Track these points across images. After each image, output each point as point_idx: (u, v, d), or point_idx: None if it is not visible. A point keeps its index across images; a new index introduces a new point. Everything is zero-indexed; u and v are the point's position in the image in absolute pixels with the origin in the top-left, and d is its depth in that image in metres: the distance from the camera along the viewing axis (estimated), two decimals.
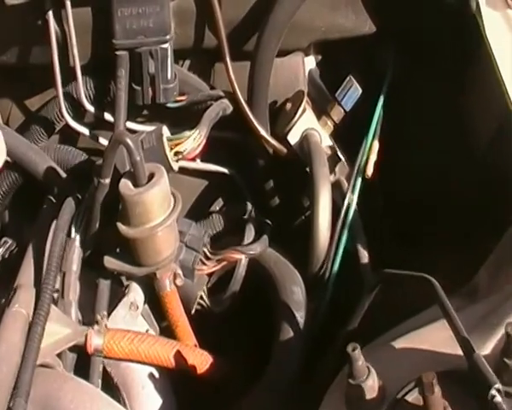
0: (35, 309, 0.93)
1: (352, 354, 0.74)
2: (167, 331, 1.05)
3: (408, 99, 1.18)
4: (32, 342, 0.88)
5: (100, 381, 0.97)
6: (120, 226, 0.95)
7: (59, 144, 1.19)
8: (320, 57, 1.24)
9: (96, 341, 0.95)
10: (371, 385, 0.76)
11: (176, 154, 1.03)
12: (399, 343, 0.83)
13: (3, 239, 1.17)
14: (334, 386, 0.83)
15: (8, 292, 0.99)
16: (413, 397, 0.75)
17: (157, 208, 0.94)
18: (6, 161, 1.15)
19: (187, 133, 1.04)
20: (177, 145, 1.03)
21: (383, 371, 0.78)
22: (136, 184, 0.94)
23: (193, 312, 1.07)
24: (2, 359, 0.87)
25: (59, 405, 0.88)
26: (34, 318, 0.91)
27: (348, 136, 1.17)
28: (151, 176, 0.95)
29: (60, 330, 0.95)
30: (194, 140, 1.04)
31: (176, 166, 1.02)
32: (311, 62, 1.23)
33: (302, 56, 1.20)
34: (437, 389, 0.68)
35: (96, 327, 0.97)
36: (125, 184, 0.95)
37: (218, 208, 1.21)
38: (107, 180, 0.97)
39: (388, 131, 1.14)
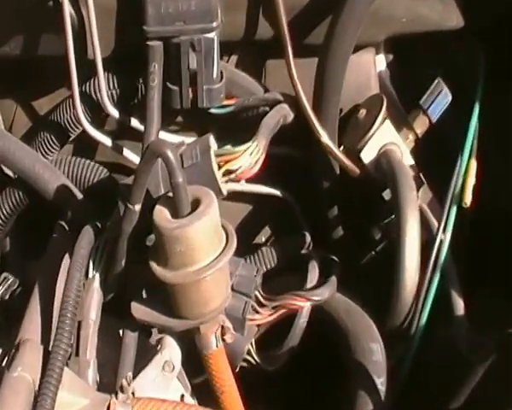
0: (43, 374, 0.70)
1: None
2: (203, 393, 0.83)
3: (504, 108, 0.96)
4: None
5: None
6: (155, 267, 0.73)
7: (73, 157, 0.96)
8: (391, 56, 1.02)
9: None
10: None
11: (226, 173, 0.81)
12: None
13: (3, 275, 0.95)
14: None
15: (8, 348, 0.77)
16: None
17: (205, 246, 0.72)
18: (8, 177, 0.93)
19: (241, 147, 0.81)
20: (227, 162, 0.80)
21: None
22: (176, 214, 0.72)
23: (237, 370, 0.85)
24: None
25: None
26: (42, 386, 0.69)
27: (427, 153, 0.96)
28: (196, 203, 0.73)
29: (75, 400, 0.72)
30: (250, 155, 0.81)
31: (226, 190, 0.80)
32: (381, 63, 1.01)
33: (374, 54, 0.99)
34: None
35: (120, 396, 0.75)
36: (162, 214, 0.72)
37: (268, 241, 0.99)
38: (138, 207, 0.75)
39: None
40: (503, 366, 0.75)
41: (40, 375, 0.72)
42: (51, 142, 0.96)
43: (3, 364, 0.78)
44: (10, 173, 0.94)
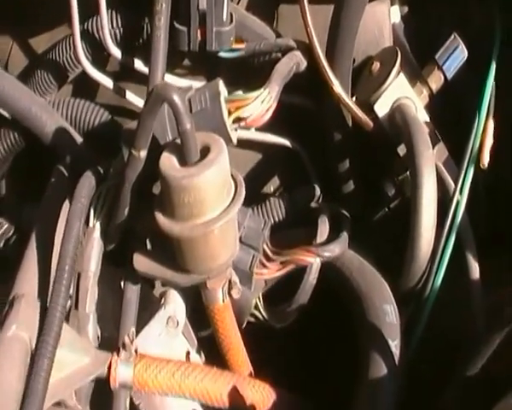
0: (40, 332, 0.67)
1: None
2: (209, 348, 0.81)
3: None
4: (35, 383, 0.63)
5: None
6: (160, 219, 0.69)
7: (72, 98, 0.91)
8: (406, 9, 0.97)
9: (123, 373, 0.71)
10: None
11: (236, 120, 0.76)
12: None
13: None
14: None
15: (2, 302, 0.73)
16: None
17: (214, 197, 0.67)
18: (3, 118, 0.88)
19: (253, 93, 0.77)
20: (238, 109, 0.75)
21: None
22: (184, 162, 0.68)
23: (244, 326, 0.82)
24: None
25: None
26: (39, 345, 0.65)
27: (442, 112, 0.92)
28: (205, 151, 0.68)
29: (75, 359, 0.70)
30: (262, 102, 0.76)
31: (235, 138, 0.76)
32: (395, 14, 0.96)
33: (388, 5, 0.93)
34: None
35: (122, 353, 0.72)
36: (170, 162, 0.68)
37: (277, 192, 0.95)
38: (143, 153, 0.70)
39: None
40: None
41: (37, 333, 0.68)
42: (48, 81, 0.91)
43: None
44: (5, 114, 0.89)
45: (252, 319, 0.84)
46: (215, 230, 0.68)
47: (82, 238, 0.75)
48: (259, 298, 0.83)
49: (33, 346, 0.66)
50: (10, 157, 0.91)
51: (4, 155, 0.90)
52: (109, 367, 0.70)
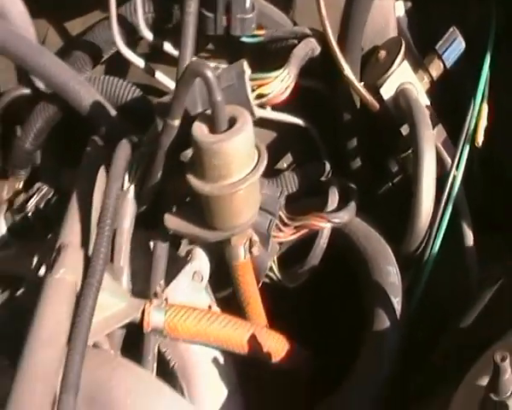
0: (85, 276, 0.75)
1: (502, 366, 0.60)
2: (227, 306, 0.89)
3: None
4: (82, 318, 0.70)
5: (155, 365, 0.80)
6: (192, 180, 0.77)
7: (107, 75, 0.99)
8: (410, 4, 1.06)
9: (155, 318, 0.79)
10: None
11: (258, 96, 0.85)
12: None
13: (37, 185, 0.98)
14: (457, 399, 0.68)
15: (45, 255, 0.81)
16: None
17: (240, 161, 0.76)
18: (42, 92, 0.96)
19: (274, 73, 0.86)
20: (260, 86, 0.85)
21: None
22: (214, 130, 0.76)
23: (259, 286, 0.90)
24: (46, 342, 0.70)
25: (112, 398, 0.71)
26: (84, 287, 0.73)
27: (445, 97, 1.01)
28: (232, 121, 0.77)
29: (113, 303, 0.78)
30: (281, 81, 0.86)
31: (257, 112, 0.85)
32: (400, 8, 1.05)
33: (393, 0, 1.03)
34: None
35: (154, 301, 0.80)
36: (201, 129, 0.76)
37: (290, 167, 1.04)
38: (177, 122, 0.79)
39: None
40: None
41: (81, 278, 0.76)
42: (84, 61, 0.99)
43: (43, 270, 0.83)
44: (42, 87, 0.97)
45: (267, 280, 0.92)
46: (241, 190, 0.77)
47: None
48: (274, 261, 0.92)
49: (79, 288, 0.75)
50: (49, 127, 0.98)
51: (44, 126, 0.98)
52: (143, 312, 0.79)
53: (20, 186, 1.02)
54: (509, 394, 0.62)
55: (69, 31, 1.04)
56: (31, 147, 1.00)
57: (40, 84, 0.98)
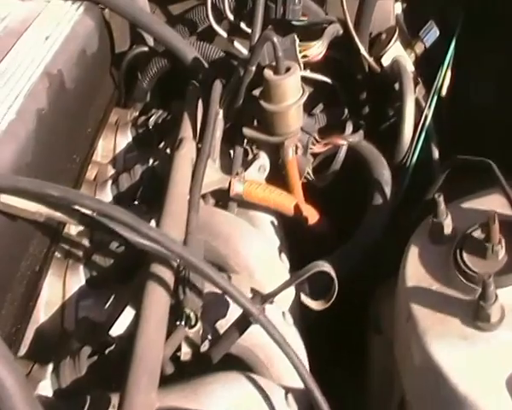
0: (197, 155, 1.22)
1: (438, 199, 1.04)
2: None
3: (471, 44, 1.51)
4: (196, 181, 1.15)
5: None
6: (263, 103, 1.25)
7: (199, 41, 1.47)
8: (405, 5, 1.56)
9: (237, 187, 1.26)
10: (448, 223, 1.04)
11: (303, 56, 1.34)
12: (466, 203, 1.11)
13: (153, 110, 1.46)
14: (420, 228, 1.12)
15: (168, 145, 1.30)
16: (477, 234, 1.00)
17: (292, 92, 1.25)
18: (156, 50, 1.46)
19: (313, 43, 1.35)
20: (304, 50, 1.34)
21: (457, 217, 1.05)
22: (277, 73, 1.25)
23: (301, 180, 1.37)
24: (180, 190, 1.14)
25: (219, 231, 1.16)
26: (198, 158, 1.20)
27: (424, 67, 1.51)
28: (287, 69, 1.26)
29: (212, 174, 1.25)
30: (317, 48, 1.36)
31: (302, 65, 1.33)
32: (398, 8, 1.55)
33: (393, 2, 1.53)
34: (496, 223, 0.95)
35: (236, 177, 1.27)
36: (269, 73, 1.25)
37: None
38: (254, 68, 1.27)
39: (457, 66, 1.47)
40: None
41: (195, 156, 1.23)
42: (184, 31, 1.50)
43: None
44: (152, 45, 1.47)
45: (304, 180, 1.39)
46: (292, 109, 1.25)
47: None
48: (309, 168, 1.40)
49: (193, 162, 1.21)
50: (160, 74, 1.48)
51: (157, 72, 1.47)
52: (230, 183, 1.26)
53: (137, 114, 1.50)
54: (444, 217, 1.06)
55: (171, 11, 1.54)
56: (147, 86, 1.50)
57: (151, 44, 1.48)
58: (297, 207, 1.30)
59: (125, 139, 1.46)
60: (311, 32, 1.42)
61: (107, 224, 0.86)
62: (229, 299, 0.94)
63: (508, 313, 0.89)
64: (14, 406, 0.64)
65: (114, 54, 1.53)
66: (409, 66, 1.46)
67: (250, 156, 1.35)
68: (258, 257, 1.13)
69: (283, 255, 1.20)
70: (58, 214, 0.89)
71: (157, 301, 0.89)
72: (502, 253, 0.96)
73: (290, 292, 1.11)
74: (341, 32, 1.44)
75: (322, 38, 1.38)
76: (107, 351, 0.96)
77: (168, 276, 0.92)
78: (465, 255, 0.97)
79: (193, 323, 0.94)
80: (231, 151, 1.34)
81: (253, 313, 0.87)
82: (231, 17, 1.44)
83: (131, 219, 0.87)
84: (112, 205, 0.93)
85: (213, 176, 1.26)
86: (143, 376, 0.79)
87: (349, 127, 1.44)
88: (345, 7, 1.41)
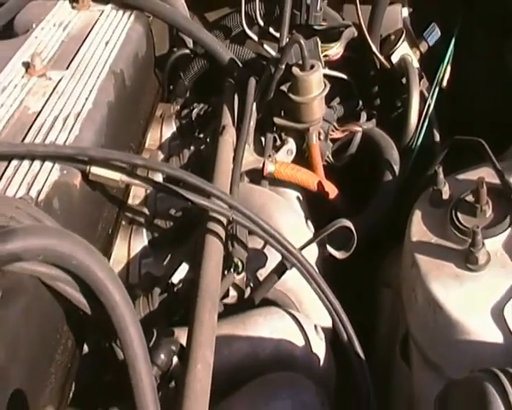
0: (237, 140, 1.45)
1: (438, 170, 1.26)
2: None
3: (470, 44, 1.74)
4: (237, 161, 1.39)
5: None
6: (291, 96, 1.49)
7: (233, 44, 1.71)
8: (411, 10, 1.80)
9: (270, 167, 1.49)
10: (446, 190, 1.25)
11: (324, 56, 1.58)
12: (461, 175, 1.31)
13: (195, 104, 1.70)
14: (422, 196, 1.33)
15: (209, 134, 1.53)
16: (469, 198, 1.21)
17: (316, 86, 1.48)
18: (196, 52, 1.70)
19: (332, 44, 1.58)
20: (325, 50, 1.58)
21: (453, 186, 1.27)
22: (303, 70, 1.47)
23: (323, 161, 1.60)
24: (224, 167, 1.38)
25: (255, 202, 1.39)
26: (238, 143, 1.44)
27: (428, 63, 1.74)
28: (312, 66, 1.49)
29: (248, 156, 1.48)
30: (336, 49, 1.59)
31: (323, 63, 1.56)
32: (404, 12, 1.79)
33: (400, 7, 1.76)
34: (484, 187, 1.16)
35: (269, 159, 1.50)
36: (296, 70, 1.48)
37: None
38: (283, 66, 1.50)
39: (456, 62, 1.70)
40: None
41: (235, 141, 1.46)
42: (219, 35, 1.73)
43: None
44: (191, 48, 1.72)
45: (324, 163, 1.62)
46: (316, 100, 1.48)
47: None
48: (329, 152, 1.63)
49: (234, 146, 1.45)
50: (200, 73, 1.73)
51: (197, 71, 1.72)
52: (263, 163, 1.49)
53: (178, 108, 1.75)
54: (442, 185, 1.29)
55: (207, 18, 1.77)
56: (188, 83, 1.73)
57: (190, 46, 1.73)
58: (319, 184, 1.53)
59: (170, 129, 1.70)
60: (330, 35, 1.66)
61: (177, 188, 1.10)
62: (270, 246, 1.17)
63: (492, 257, 1.12)
64: (122, 313, 0.86)
65: (155, 56, 1.77)
66: (414, 62, 1.70)
67: (279, 142, 1.59)
68: (288, 222, 1.36)
69: (309, 222, 1.44)
70: (136, 181, 1.12)
71: (214, 248, 1.11)
72: (489, 212, 1.18)
73: (314, 250, 1.35)
74: (356, 34, 1.68)
75: (340, 40, 1.62)
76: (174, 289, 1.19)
77: (221, 231, 1.15)
78: (459, 215, 1.19)
79: (240, 270, 1.18)
80: (262, 138, 1.57)
81: (293, 253, 1.12)
82: (261, 23, 1.67)
83: (200, 182, 1.12)
84: (185, 171, 1.17)
85: (250, 158, 1.49)
86: (208, 301, 1.01)
87: (363, 116, 1.67)
88: (359, 13, 1.65)
